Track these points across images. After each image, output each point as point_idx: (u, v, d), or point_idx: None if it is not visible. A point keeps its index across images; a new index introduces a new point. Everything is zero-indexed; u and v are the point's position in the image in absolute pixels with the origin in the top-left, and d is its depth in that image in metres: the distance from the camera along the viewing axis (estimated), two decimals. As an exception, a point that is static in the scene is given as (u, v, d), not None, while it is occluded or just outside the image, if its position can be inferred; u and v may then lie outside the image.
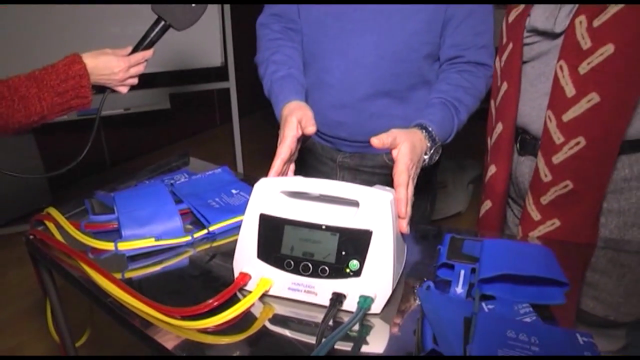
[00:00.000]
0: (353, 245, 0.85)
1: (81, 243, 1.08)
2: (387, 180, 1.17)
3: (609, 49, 0.97)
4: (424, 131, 1.09)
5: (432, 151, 1.09)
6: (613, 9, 0.95)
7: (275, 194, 0.91)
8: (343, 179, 1.45)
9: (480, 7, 1.24)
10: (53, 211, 1.19)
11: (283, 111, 1.15)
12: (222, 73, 3.10)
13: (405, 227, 0.93)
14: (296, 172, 1.17)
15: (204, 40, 2.81)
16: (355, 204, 0.86)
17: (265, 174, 1.02)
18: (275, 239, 0.89)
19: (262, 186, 0.92)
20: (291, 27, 1.38)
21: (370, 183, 0.95)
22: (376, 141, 0.99)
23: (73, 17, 2.65)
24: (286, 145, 1.06)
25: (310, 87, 1.35)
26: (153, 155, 4.07)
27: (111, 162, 3.90)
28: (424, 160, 1.08)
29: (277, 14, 1.39)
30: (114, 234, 1.10)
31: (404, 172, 0.97)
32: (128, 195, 1.16)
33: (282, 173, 1.09)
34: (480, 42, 1.25)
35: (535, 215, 1.13)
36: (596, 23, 0.97)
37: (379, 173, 1.41)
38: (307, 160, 1.52)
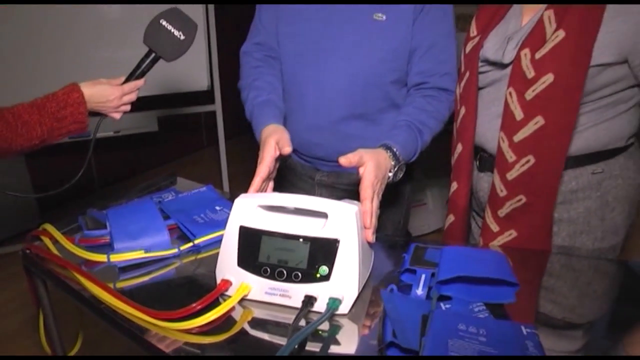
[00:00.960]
0: (322, 252, 0.95)
1: (76, 256, 1.17)
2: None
3: (549, 77, 1.08)
4: (388, 151, 1.20)
5: (396, 169, 1.21)
6: (551, 43, 1.07)
7: (254, 208, 1.01)
8: (321, 195, 1.55)
9: (444, 37, 1.36)
10: (49, 227, 1.27)
11: (262, 134, 1.27)
12: (209, 96, 3.21)
13: (370, 236, 1.04)
14: (278, 189, 1.28)
15: (191, 64, 2.92)
16: (324, 215, 0.97)
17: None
18: (253, 248, 0.99)
19: (242, 201, 1.02)
20: (271, 55, 1.50)
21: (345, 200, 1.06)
22: (344, 160, 1.10)
23: (65, 43, 2.74)
24: (265, 165, 1.18)
25: (289, 111, 1.46)
26: (141, 176, 4.15)
27: (100, 184, 3.97)
28: (389, 177, 1.19)
29: (259, 43, 1.51)
30: (106, 248, 1.19)
31: (369, 187, 1.08)
32: (120, 211, 1.25)
33: (261, 190, 1.19)
34: (443, 69, 1.37)
35: (494, 227, 1.24)
36: (538, 55, 1.09)
37: (354, 190, 1.51)
38: (288, 178, 1.62)
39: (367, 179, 1.10)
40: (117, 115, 1.30)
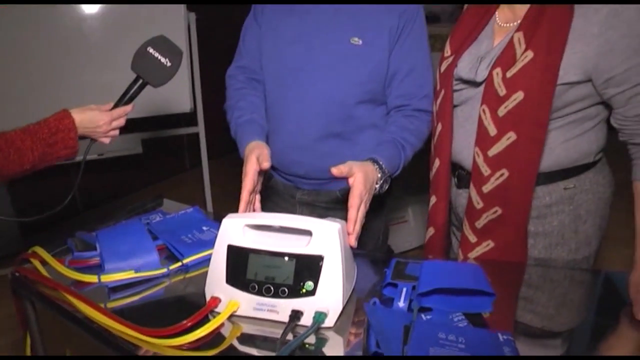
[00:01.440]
0: (308, 268, 0.99)
1: (66, 277, 1.19)
2: (341, 214, 1.34)
3: (520, 95, 1.15)
4: (375, 164, 1.27)
5: (382, 181, 1.28)
6: (521, 63, 1.14)
7: (241, 227, 1.05)
8: (302, 213, 1.59)
9: (422, 62, 1.44)
10: (39, 250, 1.29)
11: (245, 151, 1.34)
12: (192, 118, 3.24)
13: (353, 241, 1.11)
14: (262, 209, 1.34)
15: (174, 87, 2.94)
16: (308, 233, 1.01)
17: (235, 211, 1.17)
18: (241, 266, 1.02)
19: (229, 221, 1.06)
20: (255, 77, 1.57)
21: (325, 217, 1.10)
22: (335, 170, 1.17)
23: (48, 66, 2.75)
24: (249, 179, 1.25)
25: (271, 130, 1.51)
26: (124, 199, 4.15)
27: (82, 206, 3.96)
28: (375, 189, 1.26)
29: (243, 67, 1.58)
30: (97, 269, 1.21)
31: (357, 196, 1.16)
32: (109, 233, 1.28)
33: (250, 202, 1.26)
34: (422, 92, 1.44)
35: (472, 238, 1.29)
36: (509, 74, 1.15)
37: (333, 207, 1.57)
38: (270, 198, 1.67)
39: (356, 188, 1.17)
40: (107, 140, 1.34)
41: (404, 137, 1.40)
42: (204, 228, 1.38)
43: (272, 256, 1.01)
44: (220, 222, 1.08)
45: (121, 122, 1.33)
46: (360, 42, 1.40)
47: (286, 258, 1.00)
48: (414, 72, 1.43)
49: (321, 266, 0.98)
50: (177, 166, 4.82)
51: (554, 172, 1.23)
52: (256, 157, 1.28)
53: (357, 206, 1.15)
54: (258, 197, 1.34)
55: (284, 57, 1.48)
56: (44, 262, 1.26)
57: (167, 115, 3.04)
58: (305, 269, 0.99)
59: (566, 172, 1.23)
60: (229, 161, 4.67)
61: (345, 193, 1.52)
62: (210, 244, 1.26)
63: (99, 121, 1.28)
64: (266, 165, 1.28)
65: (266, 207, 1.64)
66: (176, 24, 2.92)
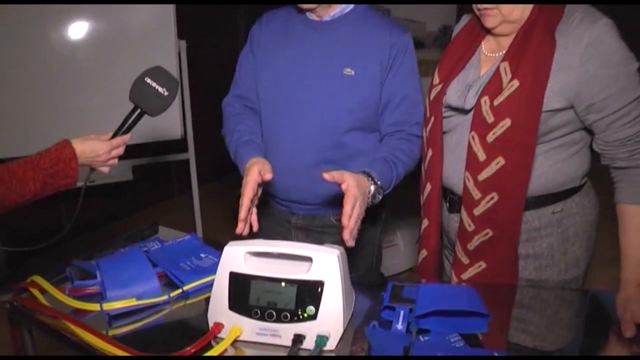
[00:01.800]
0: (309, 293, 1.02)
1: (67, 306, 1.20)
2: (335, 238, 1.41)
3: (507, 122, 1.20)
4: (367, 176, 1.34)
5: (373, 191, 1.34)
6: (508, 91, 1.19)
7: (242, 254, 1.08)
8: (297, 238, 1.63)
9: (413, 91, 1.50)
10: (38, 279, 1.30)
11: (246, 165, 1.40)
12: (181, 144, 3.27)
13: (347, 235, 1.21)
14: (257, 235, 1.37)
15: (165, 114, 2.98)
16: (309, 259, 1.04)
17: (230, 236, 1.20)
18: (243, 292, 1.05)
19: (231, 249, 1.09)
20: (250, 106, 1.62)
21: (320, 241, 1.14)
22: (326, 175, 1.24)
23: (40, 92, 2.79)
24: (249, 187, 1.32)
25: (266, 156, 1.55)
26: (112, 226, 4.13)
27: (70, 234, 3.93)
28: (368, 198, 1.32)
29: (239, 96, 1.64)
30: (97, 297, 1.23)
31: (351, 196, 1.24)
32: (110, 261, 1.30)
33: (249, 211, 1.34)
34: (414, 120, 1.50)
35: (465, 260, 1.33)
36: (496, 102, 1.21)
37: (328, 232, 1.61)
38: (266, 224, 1.69)
39: (350, 190, 1.24)
40: (106, 169, 1.36)
41: (396, 156, 1.45)
42: (202, 255, 1.41)
43: (274, 282, 1.04)
44: (217, 249, 1.11)
45: (120, 151, 1.36)
46: (353, 72, 1.46)
47: (288, 284, 1.03)
48: (406, 101, 1.49)
49: (322, 291, 1.01)
50: (165, 192, 4.82)
51: (542, 196, 1.28)
52: (258, 170, 1.34)
53: (351, 203, 1.23)
54: (255, 210, 1.40)
55: (280, 86, 1.53)
56: (42, 291, 1.27)
57: (158, 142, 3.06)
58: (306, 294, 1.02)
59: (554, 196, 1.28)
60: (215, 187, 4.73)
61: (339, 218, 1.57)
62: (210, 270, 1.30)
63: (99, 151, 1.30)
64: (269, 176, 1.35)
65: (262, 232, 1.67)
66: (167, 51, 2.96)
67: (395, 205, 1.70)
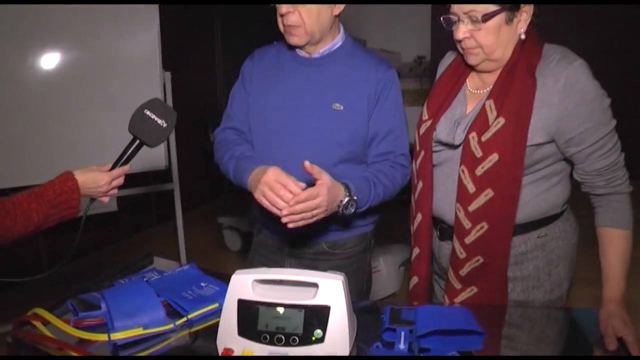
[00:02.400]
0: (316, 318, 1.08)
1: (72, 337, 1.22)
2: (328, 265, 1.54)
3: (495, 157, 1.29)
4: (345, 187, 1.41)
5: (346, 201, 1.40)
6: (494, 128, 1.29)
7: (249, 282, 1.13)
8: (290, 265, 1.69)
9: (398, 124, 1.58)
10: (41, 311, 1.31)
11: (254, 171, 1.45)
12: (165, 175, 3.31)
13: (285, 211, 1.32)
14: (252, 264, 1.41)
15: (148, 148, 3.02)
16: (315, 285, 1.10)
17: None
18: (252, 318, 1.11)
19: (238, 277, 1.14)
20: (244, 137, 1.68)
21: (313, 268, 1.21)
22: (307, 164, 1.31)
23: (25, 121, 2.81)
24: (282, 176, 1.37)
25: None
26: (91, 256, 4.09)
27: (47, 266, 3.89)
28: (338, 206, 1.39)
29: (233, 127, 1.70)
30: (101, 327, 1.25)
31: (317, 189, 1.33)
32: (115, 292, 1.33)
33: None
34: (399, 151, 1.58)
35: (457, 285, 1.40)
36: (484, 138, 1.30)
37: (321, 259, 1.67)
38: (260, 252, 1.75)
39: (320, 187, 1.33)
40: (106, 199, 1.40)
41: (377, 177, 1.52)
42: (203, 284, 1.45)
43: (282, 308, 1.10)
44: (216, 278, 1.22)
45: (120, 181, 1.40)
46: (342, 107, 1.54)
47: (295, 309, 1.09)
48: (392, 134, 1.58)
49: (329, 315, 1.07)
50: (145, 222, 4.81)
51: (527, 223, 1.37)
52: (276, 169, 1.39)
53: (312, 192, 1.31)
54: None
55: (272, 120, 1.60)
56: (45, 323, 1.28)
57: (142, 172, 3.09)
58: (314, 318, 1.08)
59: (538, 222, 1.37)
60: (194, 216, 4.75)
61: (331, 245, 1.63)
62: (212, 298, 1.35)
63: (100, 181, 1.34)
64: (301, 185, 1.37)
65: (256, 260, 1.74)
66: (152, 82, 3.02)
67: (378, 233, 1.77)
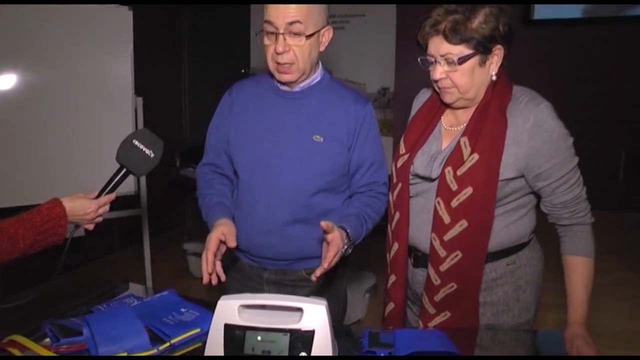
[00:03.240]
0: (301, 341, 1.13)
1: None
2: (306, 290, 1.60)
3: (469, 190, 1.38)
4: (344, 231, 1.47)
5: (346, 246, 1.48)
6: (469, 163, 1.37)
7: (235, 307, 1.17)
8: (269, 291, 1.71)
9: (378, 156, 1.66)
10: (19, 338, 1.30)
11: (214, 224, 1.52)
12: (130, 199, 3.28)
13: (319, 273, 1.40)
14: (227, 290, 1.48)
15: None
16: (299, 310, 1.14)
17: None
18: (238, 342, 1.14)
19: (224, 303, 1.18)
20: (220, 172, 1.74)
21: (292, 294, 1.25)
22: (323, 224, 1.38)
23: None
24: (213, 242, 1.46)
25: (241, 217, 1.65)
26: (50, 284, 3.98)
27: (12, 290, 3.77)
28: (342, 251, 1.45)
29: (209, 163, 1.76)
30: (84, 353, 1.26)
31: (336, 246, 1.40)
32: (99, 318, 1.35)
33: (214, 264, 1.45)
34: (381, 180, 1.66)
35: (431, 310, 1.47)
36: (459, 173, 1.38)
37: (299, 285, 1.71)
38: (238, 279, 1.77)
39: (335, 242, 1.41)
40: (91, 227, 1.41)
41: (367, 213, 1.60)
42: (182, 310, 1.47)
43: (268, 332, 1.14)
44: (195, 303, 1.29)
45: (106, 209, 1.41)
46: (322, 139, 1.59)
47: (281, 333, 1.14)
48: (374, 165, 1.65)
49: (313, 339, 1.12)
50: (106, 247, 4.74)
51: (498, 251, 1.45)
52: (222, 231, 1.47)
53: (334, 251, 1.39)
54: (219, 263, 1.50)
55: (254, 151, 1.64)
56: (23, 349, 1.27)
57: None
58: (298, 342, 1.13)
59: (507, 250, 1.46)
60: (158, 241, 4.71)
61: (310, 271, 1.67)
62: (193, 324, 1.38)
63: (87, 209, 1.36)
64: (232, 244, 1.48)
65: (233, 287, 1.75)
66: (124, 107, 3.02)
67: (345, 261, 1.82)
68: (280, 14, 1.49)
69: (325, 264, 1.38)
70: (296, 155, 1.60)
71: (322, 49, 1.60)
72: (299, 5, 1.49)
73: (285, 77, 1.58)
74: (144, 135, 1.41)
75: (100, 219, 1.42)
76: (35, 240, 1.27)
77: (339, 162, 1.62)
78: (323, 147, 1.59)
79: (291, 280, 1.71)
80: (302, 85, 1.63)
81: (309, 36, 1.51)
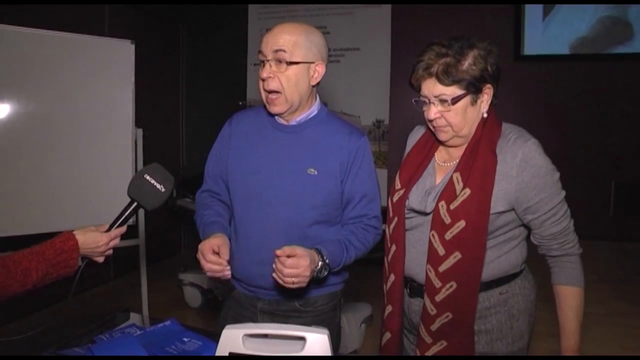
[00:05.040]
0: (305, 369, 1.16)
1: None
2: (300, 321, 1.60)
3: (462, 223, 1.44)
4: (317, 252, 1.52)
5: (320, 267, 1.52)
6: (461, 198, 1.44)
7: (240, 336, 1.21)
8: (263, 321, 1.73)
9: (371, 189, 1.70)
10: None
11: (208, 237, 1.58)
12: (131, 231, 3.32)
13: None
14: (224, 320, 1.52)
15: (118, 201, 3.05)
16: (302, 339, 1.19)
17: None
18: (243, 371, 1.18)
19: (229, 332, 1.22)
20: (219, 198, 1.79)
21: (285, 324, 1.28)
22: (279, 252, 1.43)
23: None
24: (207, 249, 1.51)
25: (237, 247, 1.71)
26: (45, 312, 3.98)
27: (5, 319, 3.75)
28: (314, 270, 1.50)
29: (208, 190, 1.82)
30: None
31: (304, 255, 1.46)
32: (104, 348, 1.38)
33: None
34: (372, 214, 1.70)
35: (428, 339, 1.51)
36: (452, 207, 1.45)
37: (293, 316, 1.73)
38: (233, 307, 1.81)
39: (302, 253, 1.46)
40: (101, 259, 1.44)
41: (350, 240, 1.64)
42: (185, 339, 1.51)
43: (273, 360, 1.18)
44: (198, 333, 1.31)
45: (117, 242, 1.45)
46: (316, 172, 1.64)
47: (285, 361, 1.17)
48: (365, 198, 1.69)
49: (316, 366, 1.16)
50: (100, 276, 4.73)
51: (491, 281, 1.50)
52: (215, 243, 1.53)
53: (302, 254, 1.45)
54: (228, 267, 1.55)
55: (249, 183, 1.69)
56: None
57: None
58: (302, 370, 1.16)
59: (500, 280, 1.51)
60: (150, 273, 4.70)
61: (303, 303, 1.71)
62: (196, 353, 1.41)
63: (99, 242, 1.39)
64: (225, 257, 1.52)
65: (229, 316, 1.79)
66: (123, 138, 3.09)
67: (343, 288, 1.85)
68: (269, 43, 1.58)
69: (286, 261, 1.43)
70: (291, 188, 1.65)
71: (313, 83, 1.64)
72: (290, 36, 1.57)
73: (274, 109, 1.63)
74: (156, 171, 1.46)
75: (110, 252, 1.44)
76: (47, 272, 1.30)
77: (332, 194, 1.67)
78: (317, 180, 1.64)
79: (284, 311, 1.73)
80: (298, 118, 1.68)
81: (290, 63, 1.57)
